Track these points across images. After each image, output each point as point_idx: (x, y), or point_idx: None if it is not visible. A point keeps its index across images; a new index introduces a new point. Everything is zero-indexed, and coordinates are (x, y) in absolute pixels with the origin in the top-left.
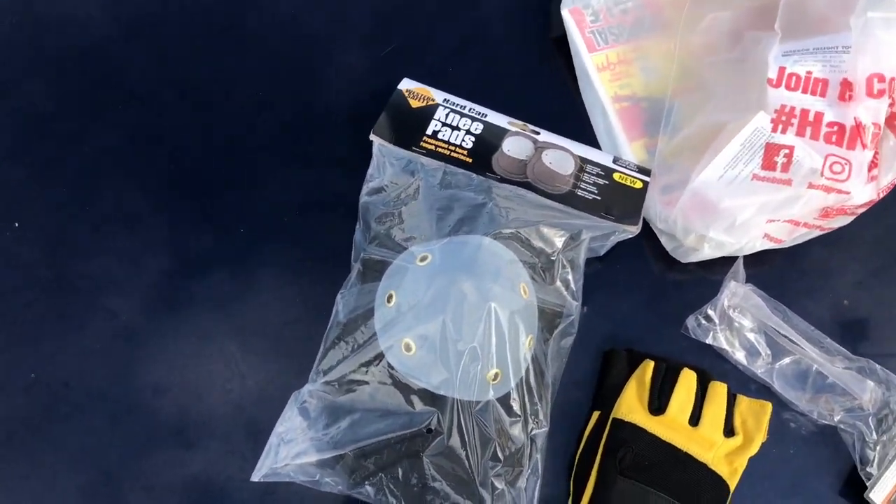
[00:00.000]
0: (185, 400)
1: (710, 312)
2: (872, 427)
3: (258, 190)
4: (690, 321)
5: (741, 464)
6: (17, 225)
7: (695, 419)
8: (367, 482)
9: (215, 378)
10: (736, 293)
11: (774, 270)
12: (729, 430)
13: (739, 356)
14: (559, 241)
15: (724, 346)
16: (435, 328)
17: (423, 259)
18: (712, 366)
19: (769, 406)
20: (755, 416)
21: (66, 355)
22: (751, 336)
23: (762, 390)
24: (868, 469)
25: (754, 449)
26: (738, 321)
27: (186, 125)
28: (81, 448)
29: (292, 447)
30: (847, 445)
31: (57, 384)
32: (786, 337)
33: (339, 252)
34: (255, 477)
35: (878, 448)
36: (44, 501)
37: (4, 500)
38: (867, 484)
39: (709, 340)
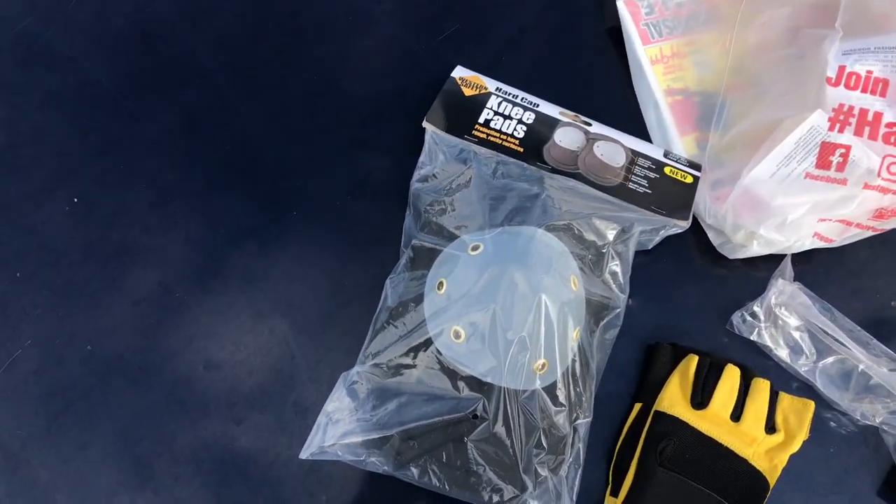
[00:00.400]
0: (237, 376)
1: (756, 309)
2: None
3: (311, 173)
4: (736, 317)
5: (781, 461)
6: (76, 200)
7: (737, 415)
8: (411, 464)
9: (266, 356)
10: (783, 291)
11: (822, 269)
12: (771, 427)
13: (783, 354)
14: (611, 234)
15: (769, 343)
16: (485, 317)
17: (474, 248)
18: (755, 363)
19: (812, 404)
20: (797, 414)
21: (121, 329)
22: (795, 334)
23: (804, 389)
24: None
25: (796, 446)
26: (784, 319)
27: (244, 108)
28: (135, 420)
29: (340, 427)
30: (888, 447)
31: (112, 357)
32: (832, 336)
33: (389, 237)
34: (304, 455)
35: None
36: (99, 470)
37: (63, 468)
38: None
39: (753, 337)
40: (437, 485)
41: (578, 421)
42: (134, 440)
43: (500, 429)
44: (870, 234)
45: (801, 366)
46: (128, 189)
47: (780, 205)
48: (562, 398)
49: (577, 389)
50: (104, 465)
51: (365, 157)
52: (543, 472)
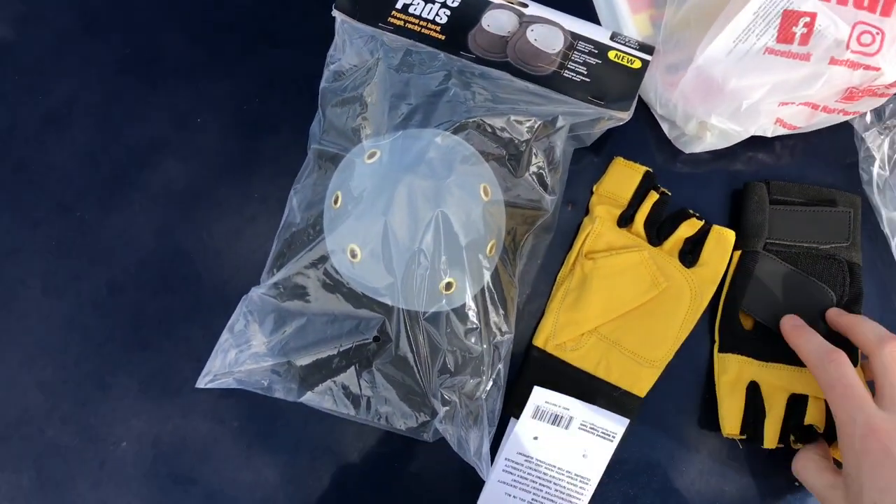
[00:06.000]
0: (141, 299)
1: None
2: None
3: (215, 75)
4: None
5: None
6: None
7: None
8: (316, 391)
9: (172, 277)
10: None
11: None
12: None
13: None
14: (528, 130)
15: None
16: (377, 231)
17: (370, 156)
18: None
19: None
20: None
21: (24, 251)
22: None
23: None
24: None
25: None
26: None
27: (142, 3)
28: (38, 346)
29: (240, 353)
30: None
31: (15, 281)
32: None
33: (299, 144)
34: (200, 384)
35: None
36: (14, 381)
37: None
38: None
39: None
40: (346, 412)
41: (498, 339)
42: (39, 367)
43: (404, 352)
44: (841, 118)
45: None
46: (21, 103)
47: (734, 88)
48: (473, 317)
49: (496, 307)
50: (13, 385)
51: (273, 55)
52: (452, 396)
